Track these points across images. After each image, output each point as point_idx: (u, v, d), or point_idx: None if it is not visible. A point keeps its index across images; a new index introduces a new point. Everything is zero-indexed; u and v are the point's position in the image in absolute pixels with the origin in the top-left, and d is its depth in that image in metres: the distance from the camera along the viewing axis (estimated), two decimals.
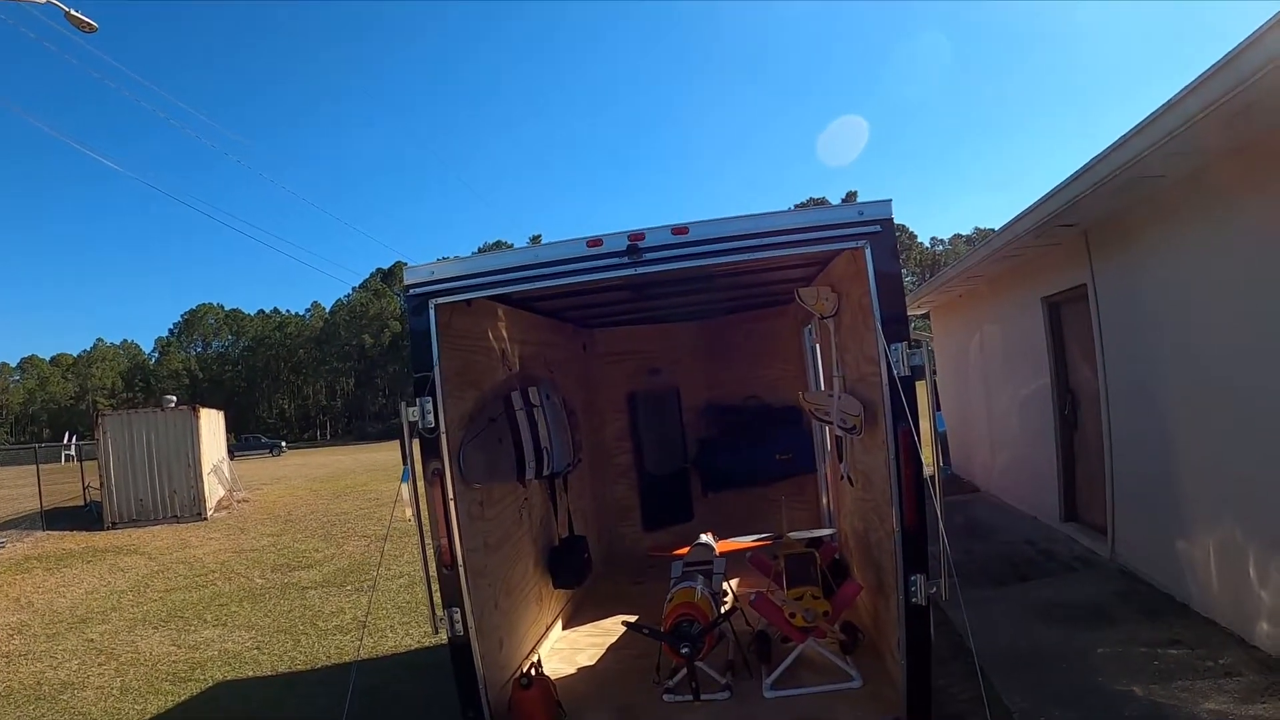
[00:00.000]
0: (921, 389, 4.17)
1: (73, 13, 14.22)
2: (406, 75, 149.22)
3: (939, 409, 4.11)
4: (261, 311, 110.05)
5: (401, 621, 8.67)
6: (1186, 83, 4.57)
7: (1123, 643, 5.94)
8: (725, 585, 5.77)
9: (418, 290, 4.61)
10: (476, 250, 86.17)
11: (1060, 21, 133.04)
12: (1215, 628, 5.96)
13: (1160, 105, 4.91)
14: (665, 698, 4.94)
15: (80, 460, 23.41)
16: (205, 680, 7.32)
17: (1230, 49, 4.13)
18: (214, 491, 20.39)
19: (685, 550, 6.45)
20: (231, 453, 27.79)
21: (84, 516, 19.62)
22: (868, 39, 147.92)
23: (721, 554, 6.26)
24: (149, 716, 6.63)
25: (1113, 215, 7.16)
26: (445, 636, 4.59)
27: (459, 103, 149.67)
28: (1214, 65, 4.28)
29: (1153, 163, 5.48)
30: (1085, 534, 8.77)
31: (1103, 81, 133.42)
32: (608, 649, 6.02)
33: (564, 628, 6.58)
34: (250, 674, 7.46)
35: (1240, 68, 4.07)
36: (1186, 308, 6.36)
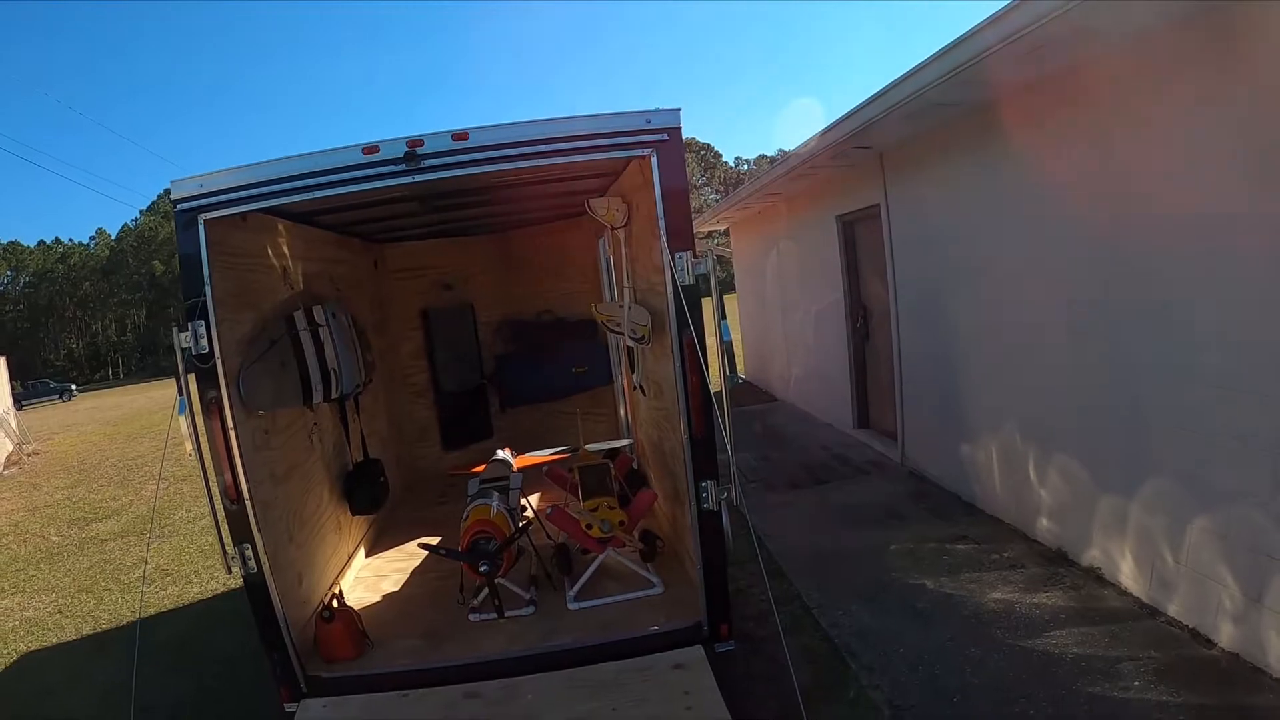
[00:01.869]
0: (708, 301, 4.24)
1: None
2: None
3: (724, 318, 4.18)
4: (42, 242, 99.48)
5: (206, 565, 8.30)
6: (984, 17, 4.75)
7: (914, 540, 6.35)
8: (524, 500, 5.76)
9: (186, 205, 4.21)
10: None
11: None
12: (1000, 525, 6.45)
13: (956, 37, 5.08)
14: (471, 617, 4.92)
15: None
16: (8, 654, 6.74)
17: None
18: (1, 447, 18.75)
19: (482, 468, 6.40)
20: (18, 402, 25.60)
21: None
22: None
23: (519, 469, 6.24)
24: None
25: (906, 140, 7.47)
26: (240, 576, 4.38)
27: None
28: (1010, 3, 4.45)
29: (945, 91, 5.68)
30: (877, 440, 9.33)
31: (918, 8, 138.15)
32: (412, 573, 5.93)
33: (366, 555, 6.42)
34: (54, 640, 6.94)
35: (1036, 8, 4.24)
36: (965, 229, 6.78)
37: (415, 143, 4.10)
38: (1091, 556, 5.43)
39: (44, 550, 10.36)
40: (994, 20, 4.64)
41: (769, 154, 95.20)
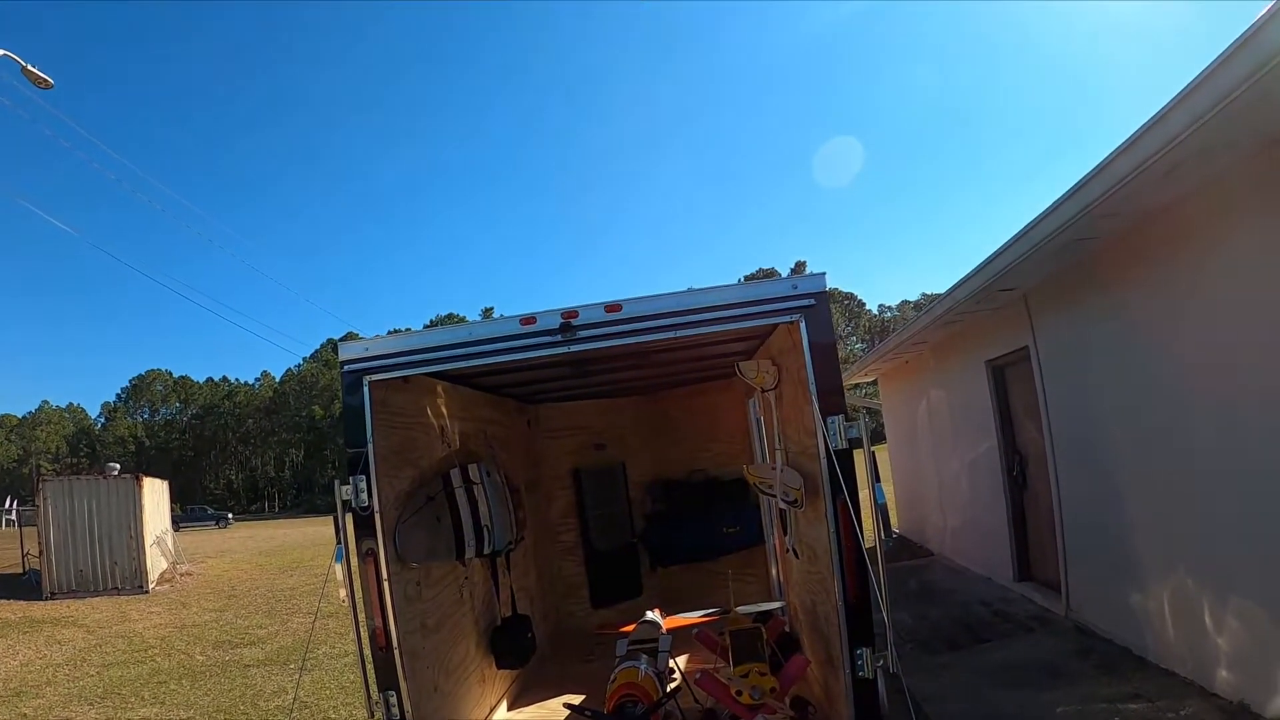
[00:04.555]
0: (861, 460, 4.17)
1: (29, 68, 14.06)
2: (366, 148, 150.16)
3: (878, 480, 4.09)
4: (210, 379, 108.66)
5: (345, 702, 8.38)
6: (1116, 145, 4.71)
7: (1082, 700, 5.91)
8: (672, 663, 5.65)
9: (353, 367, 4.58)
10: (427, 323, 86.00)
11: (1007, 89, 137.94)
12: (1175, 679, 5.96)
13: (1091, 169, 5.06)
14: None
15: (20, 526, 22.61)
16: None
17: (1156, 111, 4.25)
18: (156, 563, 19.69)
19: (631, 628, 6.32)
20: (176, 524, 27.01)
21: (22, 585, 18.72)
22: (824, 105, 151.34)
23: (668, 630, 6.14)
24: None
25: (1050, 278, 7.32)
26: None
27: (424, 184, 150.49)
28: (1140, 128, 4.42)
29: (1085, 225, 5.62)
30: (1039, 593, 8.78)
31: (1055, 152, 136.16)
32: None
33: (509, 709, 6.37)
34: None
35: (1168, 128, 4.19)
36: (1125, 367, 6.49)
37: (570, 314, 4.30)
38: (1277, 707, 4.94)
39: (187, 667, 10.72)
40: (1124, 149, 4.59)
41: (911, 299, 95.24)
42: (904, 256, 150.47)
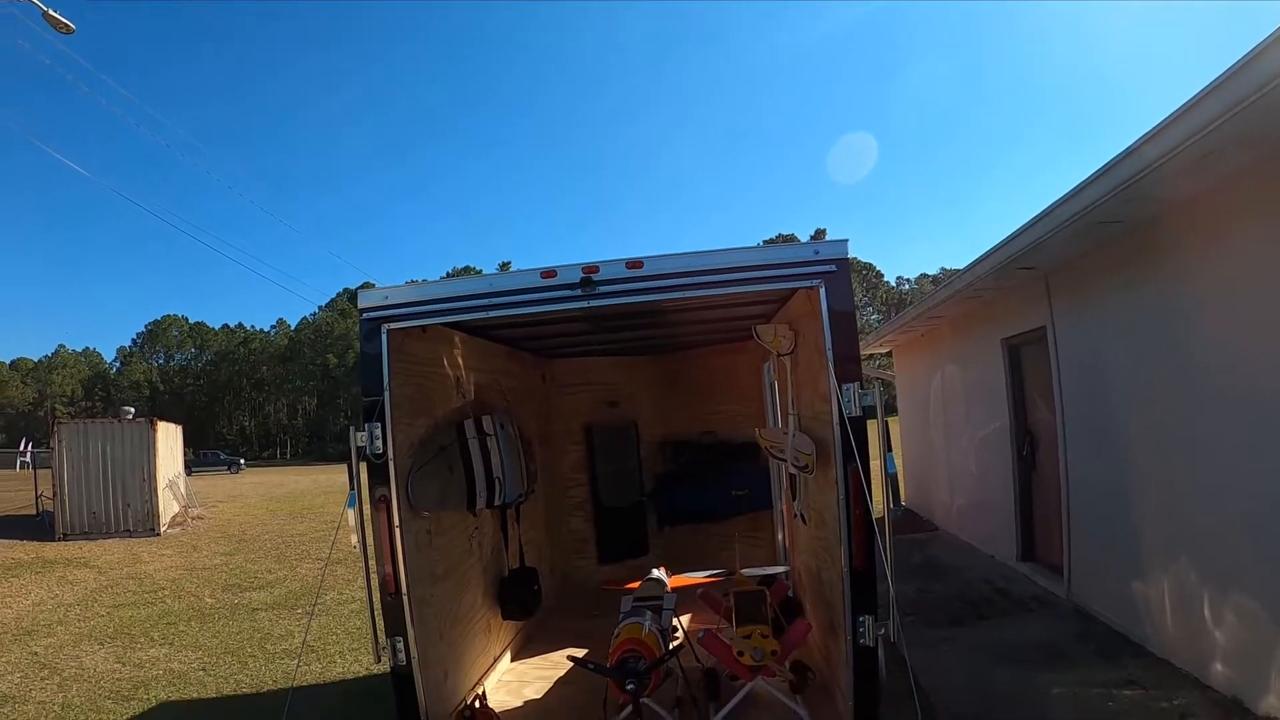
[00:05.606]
0: (873, 429, 4.17)
1: (51, 13, 14.06)
2: (395, 104, 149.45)
3: (890, 450, 4.10)
4: (226, 326, 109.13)
5: (351, 647, 8.51)
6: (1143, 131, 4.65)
7: (1078, 684, 5.93)
8: (675, 621, 5.69)
9: (371, 314, 4.61)
10: (445, 275, 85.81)
11: (1031, 69, 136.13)
12: (1171, 668, 5.98)
13: (1119, 153, 5.00)
14: None
15: (34, 468, 22.89)
16: (148, 700, 7.12)
17: (1186, 100, 4.20)
18: (168, 507, 19.93)
19: (637, 585, 6.38)
20: (189, 468, 27.22)
21: (35, 526, 19.05)
22: (845, 81, 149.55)
23: (673, 589, 6.20)
24: None
25: (1072, 259, 7.25)
26: (388, 665, 4.52)
27: (448, 136, 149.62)
28: (1171, 115, 4.36)
29: (1110, 209, 5.55)
30: (1042, 574, 8.79)
31: (1084, 129, 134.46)
32: (556, 683, 5.91)
33: (513, 659, 6.47)
34: (195, 695, 7.25)
35: (1201, 114, 4.13)
36: (1142, 354, 6.45)
37: (591, 269, 4.29)
38: (1269, 704, 4.93)
39: (196, 609, 10.90)
40: (1154, 135, 4.54)
41: (930, 272, 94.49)
42: (923, 231, 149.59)
